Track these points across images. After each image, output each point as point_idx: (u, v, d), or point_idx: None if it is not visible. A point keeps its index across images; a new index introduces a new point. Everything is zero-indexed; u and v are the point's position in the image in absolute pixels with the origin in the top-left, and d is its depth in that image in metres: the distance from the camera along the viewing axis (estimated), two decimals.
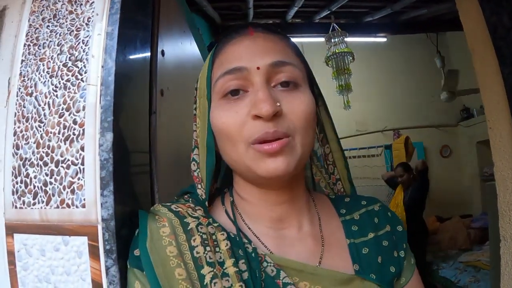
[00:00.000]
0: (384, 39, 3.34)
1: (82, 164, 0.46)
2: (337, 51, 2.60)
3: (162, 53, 0.64)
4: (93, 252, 0.45)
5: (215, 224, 0.42)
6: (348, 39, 2.66)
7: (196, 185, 0.47)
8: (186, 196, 0.48)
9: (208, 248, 0.39)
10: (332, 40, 2.59)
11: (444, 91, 3.27)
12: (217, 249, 0.40)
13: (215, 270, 0.38)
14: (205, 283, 0.37)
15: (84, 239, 0.45)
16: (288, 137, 0.38)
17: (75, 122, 0.47)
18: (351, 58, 2.65)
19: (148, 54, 0.59)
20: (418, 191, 2.67)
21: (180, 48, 0.81)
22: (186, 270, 0.38)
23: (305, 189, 0.48)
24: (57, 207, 0.47)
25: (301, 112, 0.39)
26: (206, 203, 0.45)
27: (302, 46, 3.31)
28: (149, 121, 0.58)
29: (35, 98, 0.51)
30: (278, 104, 0.38)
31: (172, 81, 0.69)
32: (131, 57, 0.53)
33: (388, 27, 2.97)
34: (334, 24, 2.58)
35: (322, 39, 2.68)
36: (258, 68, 0.39)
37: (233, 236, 0.42)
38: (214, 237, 0.41)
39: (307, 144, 0.41)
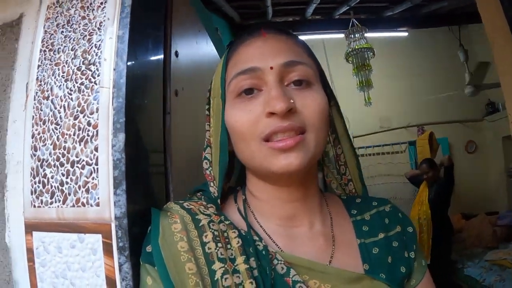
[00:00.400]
0: (405, 34, 3.31)
1: (96, 164, 0.48)
2: (356, 47, 2.62)
3: (176, 54, 0.67)
4: (107, 249, 0.48)
5: (227, 222, 0.44)
6: (369, 35, 2.68)
7: (209, 183, 0.49)
8: (198, 194, 0.50)
9: (219, 245, 0.41)
10: (352, 36, 2.61)
11: (469, 85, 3.20)
12: (228, 246, 0.41)
13: (226, 266, 0.39)
14: (215, 279, 0.39)
15: (98, 237, 0.48)
16: (303, 131, 0.40)
17: (89, 123, 0.50)
18: (371, 54, 2.66)
19: (161, 55, 0.61)
20: (444, 188, 2.65)
21: (195, 48, 0.83)
22: (197, 265, 0.39)
23: (317, 189, 0.49)
24: (73, 205, 0.50)
25: (314, 110, 0.41)
26: (219, 200, 0.47)
27: (323, 43, 3.34)
28: (164, 121, 0.60)
29: (51, 101, 0.55)
30: (292, 101, 0.39)
31: (187, 81, 0.71)
32: (143, 59, 0.55)
33: (409, 21, 2.94)
34: (354, 20, 2.59)
35: (343, 36, 2.69)
36: (271, 68, 0.41)
37: (244, 233, 0.43)
38: (225, 234, 0.42)
39: (320, 141, 0.42)
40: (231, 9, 2.29)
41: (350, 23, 2.60)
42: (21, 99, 0.60)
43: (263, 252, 0.41)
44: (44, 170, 0.53)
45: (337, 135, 0.54)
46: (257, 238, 0.43)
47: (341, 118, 0.54)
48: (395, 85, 3.89)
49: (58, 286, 0.52)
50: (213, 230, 0.42)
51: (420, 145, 3.21)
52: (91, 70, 0.52)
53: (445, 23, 3.20)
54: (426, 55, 3.92)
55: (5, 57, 0.66)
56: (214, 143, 0.47)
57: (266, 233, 0.44)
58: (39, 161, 0.54)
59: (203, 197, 0.48)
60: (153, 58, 0.58)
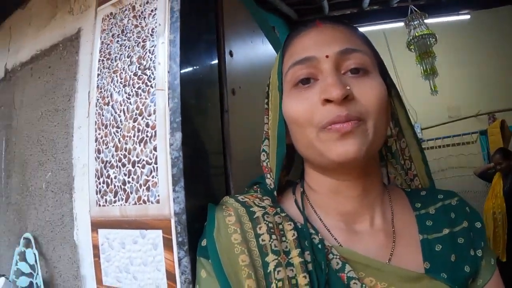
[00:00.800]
0: (467, 17, 3.22)
1: (156, 163, 0.55)
2: (417, 34, 2.62)
3: (231, 53, 0.73)
4: (167, 244, 0.53)
5: (283, 214, 0.46)
6: (429, 21, 2.67)
7: (265, 175, 0.52)
8: (255, 187, 0.53)
9: (273, 237, 0.43)
10: (412, 23, 2.61)
11: None
12: (283, 238, 0.44)
13: (279, 259, 0.41)
14: (268, 271, 0.41)
15: (159, 232, 0.54)
16: (360, 120, 0.41)
17: (147, 125, 0.56)
18: (433, 40, 2.64)
19: (214, 55, 0.68)
20: None
21: (251, 48, 0.89)
22: (250, 257, 0.42)
23: (380, 183, 0.50)
24: (135, 203, 0.57)
25: (373, 97, 0.42)
26: (275, 192, 0.50)
27: (384, 34, 3.39)
28: (222, 119, 0.66)
29: (112, 106, 0.63)
30: (348, 87, 0.41)
31: (244, 80, 0.77)
32: (196, 60, 0.61)
33: (470, 2, 2.84)
34: (412, 6, 2.59)
35: (403, 24, 2.70)
36: (327, 56, 0.43)
37: (300, 226, 0.45)
38: (281, 226, 0.45)
39: (379, 131, 0.43)
40: (287, 7, 2.40)
41: (409, 10, 2.60)
42: (84, 107, 0.69)
43: (319, 246, 0.43)
44: (107, 171, 0.61)
45: (401, 128, 0.55)
46: (313, 232, 0.45)
47: (404, 109, 0.54)
48: (461, 71, 3.82)
49: (121, 280, 0.59)
50: (267, 222, 0.44)
51: (491, 134, 3.20)
52: (146, 75, 0.59)
53: (508, 1, 3.01)
54: (492, 37, 3.77)
55: (67, 69, 0.76)
56: (271, 135, 0.50)
57: (326, 227, 0.46)
58: (102, 163, 0.62)
59: (259, 189, 0.52)
60: (206, 58, 0.64)
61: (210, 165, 0.61)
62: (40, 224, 0.79)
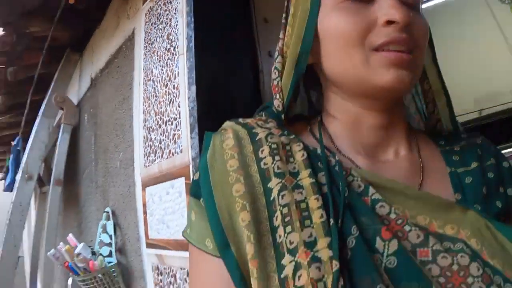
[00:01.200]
0: None
1: (179, 117, 0.62)
2: None
3: (265, 20, 0.79)
4: (188, 190, 0.59)
5: (291, 136, 0.42)
6: None
7: (274, 96, 0.46)
8: (260, 113, 0.49)
9: (277, 158, 0.38)
10: None
11: None
12: (290, 159, 0.39)
13: (283, 181, 0.36)
14: (271, 198, 0.36)
15: (182, 180, 0.61)
16: (412, 50, 0.39)
17: (174, 87, 0.65)
18: None
19: (240, 21, 0.74)
20: None
21: None
22: (248, 185, 0.37)
23: (404, 118, 0.47)
24: (167, 157, 0.65)
25: (424, 32, 0.41)
26: (283, 115, 0.45)
27: None
28: (257, 79, 0.73)
29: (152, 81, 0.74)
30: (411, 14, 0.39)
31: None
32: (214, 25, 0.68)
33: None
34: None
35: None
36: None
37: (312, 148, 0.41)
38: (288, 147, 0.40)
39: (422, 66, 0.43)
40: None
41: None
42: (138, 89, 0.83)
43: (336, 168, 0.38)
44: (150, 135, 0.72)
45: (424, 68, 0.50)
46: (330, 154, 0.40)
47: (432, 48, 0.50)
48: None
49: (159, 231, 0.67)
50: (270, 143, 0.40)
51: None
52: (173, 46, 0.68)
53: None
54: None
55: (128, 64, 0.93)
56: (291, 52, 0.46)
57: (345, 156, 0.42)
58: (147, 129, 0.73)
59: (263, 113, 0.47)
60: (230, 24, 0.72)
61: (231, 112, 0.65)
62: (117, 198, 0.95)
